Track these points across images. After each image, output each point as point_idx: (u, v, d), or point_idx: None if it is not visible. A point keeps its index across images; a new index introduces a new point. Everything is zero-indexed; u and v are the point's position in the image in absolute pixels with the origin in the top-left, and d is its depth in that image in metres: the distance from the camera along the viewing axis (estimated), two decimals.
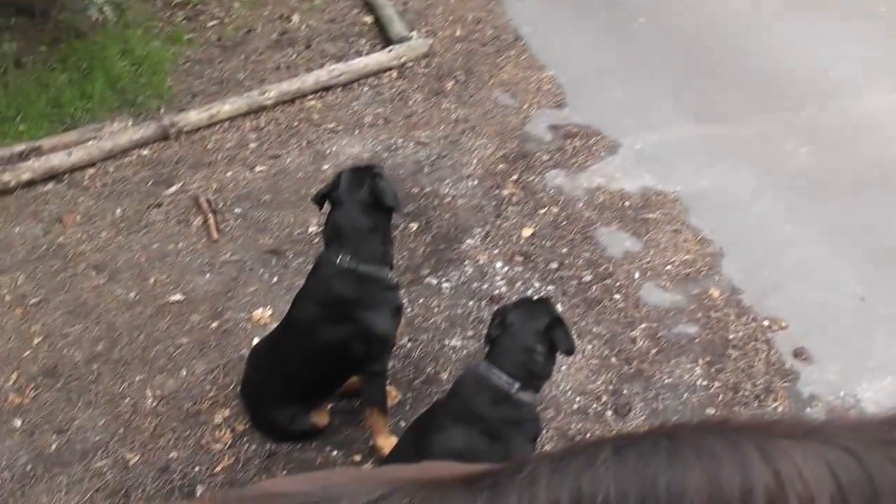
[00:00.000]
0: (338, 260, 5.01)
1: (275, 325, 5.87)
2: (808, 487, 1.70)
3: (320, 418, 5.44)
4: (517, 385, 4.47)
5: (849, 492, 1.70)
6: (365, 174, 5.17)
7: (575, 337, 5.46)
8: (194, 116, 8.16)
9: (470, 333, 6.04)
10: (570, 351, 4.67)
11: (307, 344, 5.12)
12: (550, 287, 6.32)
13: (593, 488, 1.76)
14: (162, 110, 8.48)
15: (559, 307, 6.03)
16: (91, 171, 7.73)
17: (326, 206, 5.27)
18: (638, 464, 1.78)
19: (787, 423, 1.91)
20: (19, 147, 7.79)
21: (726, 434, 1.83)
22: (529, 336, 4.54)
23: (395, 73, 8.85)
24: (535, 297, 5.59)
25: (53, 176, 7.62)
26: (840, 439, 1.77)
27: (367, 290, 5.05)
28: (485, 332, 4.87)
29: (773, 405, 5.45)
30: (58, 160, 7.61)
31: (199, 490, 5.25)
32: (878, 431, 1.79)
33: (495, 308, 5.34)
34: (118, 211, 7.31)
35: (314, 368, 5.20)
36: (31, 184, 7.54)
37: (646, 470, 1.76)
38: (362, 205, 5.05)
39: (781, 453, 1.75)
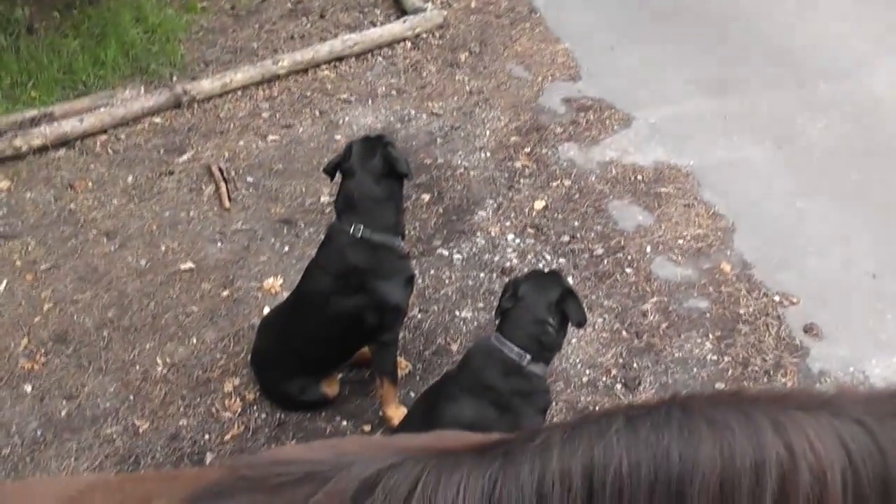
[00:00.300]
0: (351, 230, 4.99)
1: (286, 294, 5.87)
2: (819, 460, 1.70)
3: (330, 388, 5.44)
4: (528, 357, 4.46)
5: (860, 465, 1.70)
6: (376, 143, 5.16)
7: (586, 310, 5.47)
8: (207, 85, 8.14)
9: (481, 305, 6.03)
10: (581, 323, 4.66)
11: (319, 315, 5.11)
12: (562, 260, 6.31)
13: (606, 459, 1.76)
14: (174, 78, 8.47)
15: (570, 280, 6.03)
16: (103, 137, 7.73)
17: (338, 177, 5.25)
18: (651, 435, 1.78)
19: (800, 395, 1.91)
20: (31, 113, 7.79)
21: (739, 405, 1.82)
22: (541, 308, 4.53)
23: (409, 44, 8.82)
24: (547, 270, 5.58)
25: (65, 142, 7.61)
26: (852, 412, 1.76)
27: (381, 259, 5.04)
28: (496, 304, 4.87)
29: (783, 381, 5.44)
30: (69, 126, 7.61)
31: (209, 458, 5.26)
32: (889, 404, 1.79)
33: (506, 280, 5.33)
34: (130, 178, 7.30)
35: (326, 339, 5.19)
36: (42, 150, 7.54)
37: (658, 441, 1.77)
38: (375, 174, 5.03)
39: (794, 425, 1.74)
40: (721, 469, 1.72)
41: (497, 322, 4.67)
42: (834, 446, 1.72)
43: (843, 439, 1.72)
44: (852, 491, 1.70)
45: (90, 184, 7.25)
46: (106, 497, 2.25)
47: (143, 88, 8.30)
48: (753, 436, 1.74)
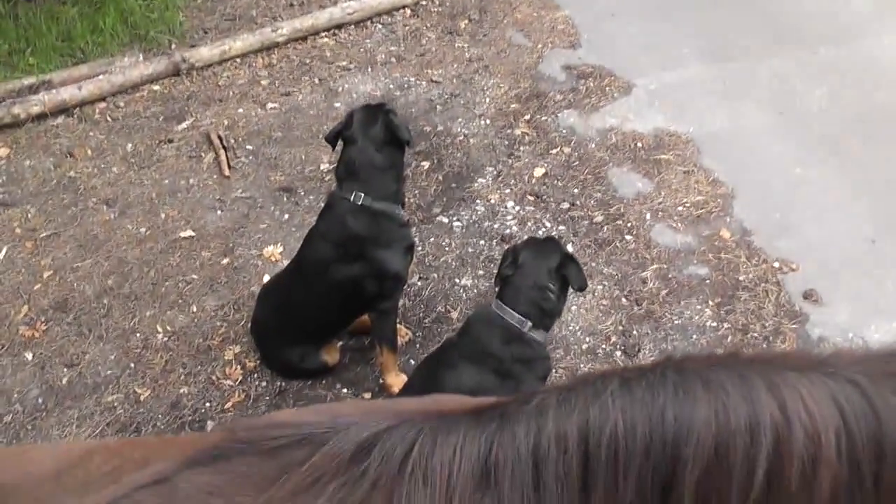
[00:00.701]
0: (352, 197, 4.99)
1: (285, 262, 5.87)
2: (814, 421, 1.72)
3: (331, 356, 5.46)
4: (529, 324, 4.47)
5: (854, 426, 1.72)
6: (377, 111, 5.15)
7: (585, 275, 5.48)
8: (206, 52, 8.12)
9: (481, 272, 6.04)
10: (582, 287, 4.67)
11: (319, 283, 5.11)
12: (561, 227, 6.31)
13: (601, 420, 1.80)
14: (173, 46, 8.43)
15: (570, 247, 6.04)
16: (102, 105, 7.71)
17: (339, 146, 5.25)
18: (646, 396, 1.81)
19: (794, 356, 1.93)
20: (30, 80, 7.76)
21: (734, 367, 1.85)
22: (542, 274, 4.54)
23: (408, 11, 8.79)
24: (544, 236, 5.58)
25: (64, 110, 7.59)
26: (846, 372, 1.78)
27: (381, 227, 5.03)
28: (495, 271, 4.88)
29: (782, 347, 5.45)
30: (68, 94, 7.58)
31: (210, 426, 5.28)
32: (882, 364, 1.81)
33: (506, 248, 5.33)
34: (129, 146, 7.29)
35: (325, 307, 5.19)
36: (41, 117, 7.52)
37: (654, 402, 1.79)
38: (376, 142, 5.03)
39: (788, 386, 1.77)
40: (716, 430, 1.74)
41: (497, 289, 4.68)
42: (828, 407, 1.74)
43: (838, 400, 1.74)
44: (846, 452, 1.72)
45: (89, 151, 7.24)
46: (104, 460, 2.27)
47: (141, 56, 8.26)
48: (748, 396, 1.76)
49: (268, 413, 5.24)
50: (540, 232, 6.23)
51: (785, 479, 1.73)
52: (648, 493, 1.77)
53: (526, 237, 5.85)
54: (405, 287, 5.49)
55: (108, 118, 7.60)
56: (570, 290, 4.68)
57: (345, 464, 1.93)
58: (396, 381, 5.21)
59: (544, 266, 4.54)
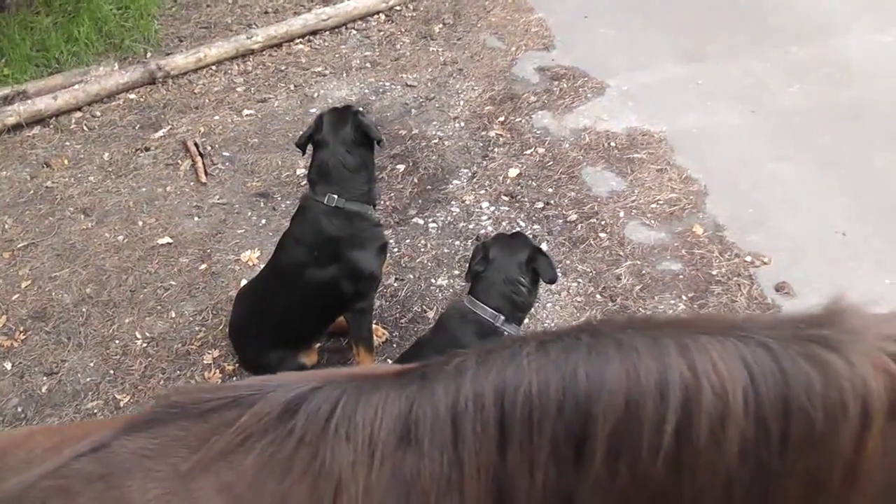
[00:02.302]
0: (325, 200, 5.03)
1: (263, 266, 5.89)
2: (722, 380, 1.80)
3: (309, 358, 5.47)
4: (502, 318, 4.51)
5: (762, 385, 1.80)
6: (345, 113, 5.19)
7: (560, 275, 5.52)
8: (181, 60, 8.16)
9: (456, 272, 6.07)
10: (552, 280, 4.70)
11: (295, 286, 5.13)
12: (536, 226, 6.35)
13: (516, 380, 1.88)
14: (149, 54, 8.47)
15: (545, 246, 6.08)
16: (78, 114, 7.74)
17: (310, 150, 5.28)
18: (560, 357, 1.90)
19: (707, 320, 2.02)
20: (4, 91, 7.79)
21: (647, 330, 1.94)
22: (513, 268, 4.57)
23: (382, 17, 8.85)
24: (513, 232, 5.62)
25: (40, 120, 7.62)
26: (758, 336, 1.87)
27: (355, 228, 5.06)
28: (466, 268, 4.91)
29: None
30: (44, 104, 7.61)
31: None
32: (793, 328, 1.89)
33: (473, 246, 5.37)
34: (106, 154, 7.32)
35: (302, 311, 5.21)
36: (17, 128, 7.55)
37: (567, 363, 1.88)
38: (347, 143, 5.06)
39: (699, 348, 1.85)
40: (627, 388, 1.83)
41: (469, 285, 4.71)
42: (737, 367, 1.81)
43: (747, 361, 1.82)
44: (754, 410, 1.80)
45: (66, 161, 7.26)
46: (46, 439, 2.33)
47: (117, 65, 8.30)
48: (659, 357, 1.84)
49: None
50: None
51: (694, 435, 1.80)
52: (562, 448, 1.85)
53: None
54: (382, 287, 5.53)
55: (85, 127, 7.62)
56: (542, 283, 4.71)
57: (273, 422, 2.02)
58: None
59: (514, 260, 4.58)
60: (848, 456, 1.82)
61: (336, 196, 5.02)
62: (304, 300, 5.16)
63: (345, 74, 8.09)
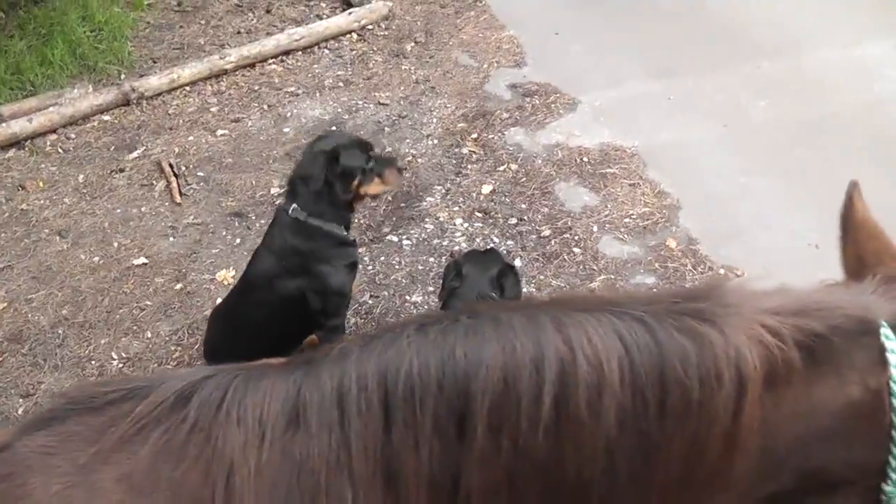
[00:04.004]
0: (290, 210, 5.10)
1: None
2: (596, 352, 1.89)
3: None
4: None
5: (636, 355, 1.89)
6: (331, 151, 5.18)
7: (534, 290, 5.56)
8: (155, 81, 8.17)
9: (431, 289, 6.10)
10: (517, 297, 4.76)
11: (265, 298, 5.20)
12: (510, 242, 6.39)
13: (398, 361, 1.97)
14: (123, 76, 8.48)
15: (518, 262, 6.12)
16: (53, 137, 7.74)
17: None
18: (439, 338, 1.98)
19: (583, 298, 2.16)
20: None
21: (525, 309, 2.03)
22: (485, 284, 4.63)
23: (355, 36, 8.89)
24: (485, 248, 5.66)
25: (15, 143, 7.61)
26: (633, 311, 1.96)
27: (317, 243, 5.14)
28: (441, 285, 4.95)
29: None
30: (18, 127, 7.61)
31: None
32: (669, 303, 1.99)
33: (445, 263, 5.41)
34: (81, 176, 7.32)
35: (273, 323, 5.24)
36: None
37: (445, 342, 1.97)
38: (317, 167, 5.11)
39: (574, 323, 1.94)
40: (503, 363, 1.90)
41: (441, 303, 4.75)
42: (611, 340, 1.90)
43: (621, 333, 1.91)
44: (630, 380, 1.88)
45: (41, 183, 7.26)
46: None
47: (91, 87, 8.30)
48: (534, 333, 1.93)
49: None
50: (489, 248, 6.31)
51: (573, 406, 1.87)
52: (445, 424, 1.92)
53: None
54: (356, 305, 5.57)
55: (60, 150, 7.63)
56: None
57: (167, 411, 2.09)
58: None
59: (486, 276, 4.64)
60: (726, 423, 1.90)
61: (298, 208, 5.08)
62: (274, 313, 5.22)
63: (318, 94, 8.12)
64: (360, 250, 5.69)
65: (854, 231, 2.44)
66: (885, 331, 1.96)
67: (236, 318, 5.35)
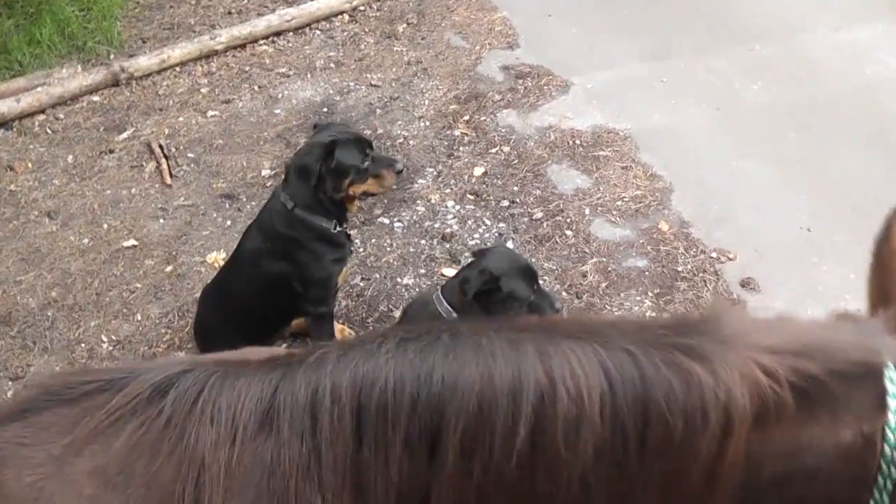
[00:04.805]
0: (282, 197, 5.12)
1: None
2: (578, 384, 1.87)
3: None
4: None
5: (619, 389, 1.87)
6: (329, 143, 5.12)
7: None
8: (145, 62, 8.11)
9: (422, 271, 6.09)
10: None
11: (252, 275, 5.24)
12: (502, 224, 6.37)
13: (373, 376, 1.97)
14: (112, 56, 8.40)
15: (510, 244, 6.10)
16: (41, 117, 7.67)
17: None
18: (417, 357, 1.98)
19: (571, 324, 2.12)
20: None
21: (507, 333, 2.02)
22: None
23: (346, 17, 8.82)
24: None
25: (2, 123, 7.54)
26: (620, 341, 1.94)
27: (300, 234, 5.15)
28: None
29: None
30: (6, 107, 7.54)
31: None
32: (657, 335, 1.96)
33: (446, 246, 5.42)
34: (70, 157, 7.27)
35: (260, 301, 5.27)
36: None
37: (423, 363, 1.97)
38: (311, 158, 5.08)
39: (558, 353, 1.92)
40: (480, 391, 1.90)
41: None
42: (594, 372, 1.89)
43: (606, 366, 1.89)
44: (610, 414, 1.86)
45: (30, 164, 7.21)
46: None
47: (80, 67, 8.22)
48: (515, 362, 1.92)
49: None
50: (480, 230, 6.30)
51: (549, 437, 1.87)
52: (416, 443, 1.93)
53: (467, 235, 5.94)
54: (348, 287, 5.54)
55: (48, 130, 7.57)
56: None
57: (142, 404, 2.09)
58: None
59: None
60: (708, 461, 1.89)
61: (288, 197, 5.06)
62: (261, 292, 5.25)
63: (309, 75, 8.07)
64: (352, 233, 5.65)
65: (889, 258, 2.42)
66: (890, 373, 1.93)
67: (225, 293, 5.38)
